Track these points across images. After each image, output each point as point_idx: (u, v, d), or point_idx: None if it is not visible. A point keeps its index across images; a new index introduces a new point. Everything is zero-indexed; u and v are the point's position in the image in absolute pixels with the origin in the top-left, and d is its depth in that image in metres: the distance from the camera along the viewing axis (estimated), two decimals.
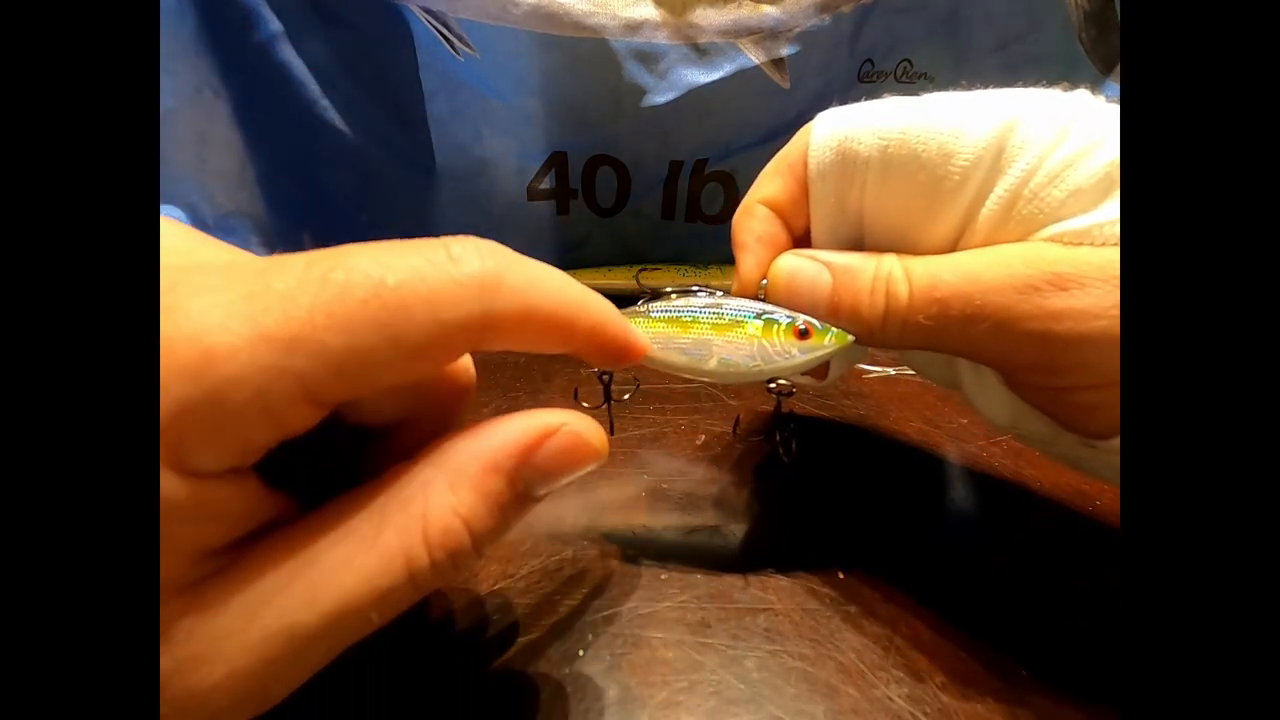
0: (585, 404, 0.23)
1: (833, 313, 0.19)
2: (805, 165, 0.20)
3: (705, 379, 0.20)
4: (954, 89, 0.19)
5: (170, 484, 0.11)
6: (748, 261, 0.21)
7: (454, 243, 0.13)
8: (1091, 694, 0.17)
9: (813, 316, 0.19)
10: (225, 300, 0.11)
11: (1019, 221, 0.17)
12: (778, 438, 0.25)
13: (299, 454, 0.13)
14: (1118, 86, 0.45)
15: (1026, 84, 0.18)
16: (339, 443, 0.15)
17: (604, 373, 0.22)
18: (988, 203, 0.18)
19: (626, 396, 0.25)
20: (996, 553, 0.23)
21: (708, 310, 0.20)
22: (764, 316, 0.20)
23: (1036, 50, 0.46)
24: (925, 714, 0.16)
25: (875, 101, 0.19)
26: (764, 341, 0.19)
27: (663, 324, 0.20)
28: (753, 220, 0.21)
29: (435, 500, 0.13)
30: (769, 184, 0.21)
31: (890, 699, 0.17)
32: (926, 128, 0.18)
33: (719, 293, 0.21)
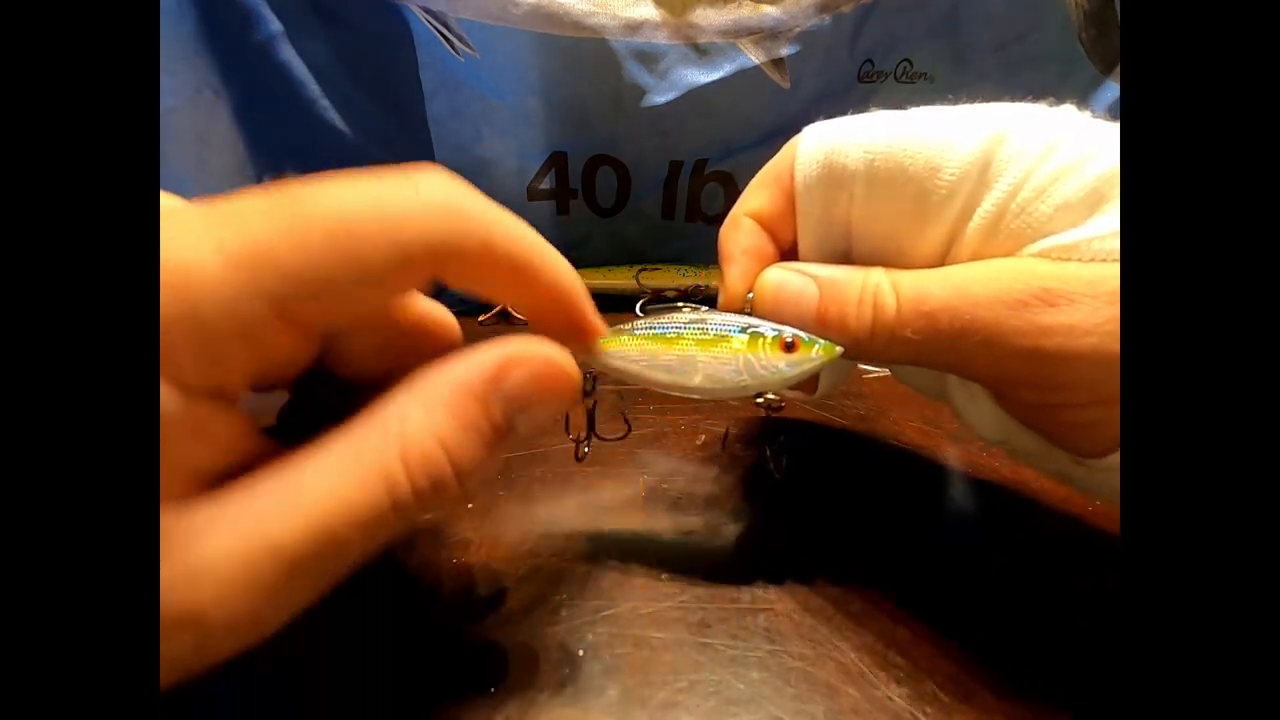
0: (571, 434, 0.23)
1: (820, 326, 0.19)
2: (792, 178, 0.20)
3: (691, 396, 0.19)
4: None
5: (165, 395, 0.12)
6: (734, 274, 0.21)
7: (421, 174, 0.14)
8: (1092, 694, 0.17)
9: (800, 329, 0.19)
10: (197, 229, 0.12)
11: (1007, 236, 0.17)
12: (768, 452, 0.25)
13: (294, 411, 0.15)
14: (1118, 86, 0.45)
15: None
16: (331, 399, 0.16)
17: (589, 391, 0.21)
18: (975, 217, 0.18)
19: (618, 437, 0.24)
20: (996, 552, 0.23)
21: (691, 326, 0.19)
22: (749, 331, 0.19)
23: (1036, 50, 0.46)
24: (925, 714, 0.16)
25: (862, 115, 0.19)
26: (750, 356, 0.19)
27: (646, 341, 0.19)
28: (739, 233, 0.21)
29: (411, 421, 0.13)
30: (756, 196, 0.21)
31: (890, 699, 0.17)
32: (913, 141, 0.18)
33: (703, 308, 0.20)
